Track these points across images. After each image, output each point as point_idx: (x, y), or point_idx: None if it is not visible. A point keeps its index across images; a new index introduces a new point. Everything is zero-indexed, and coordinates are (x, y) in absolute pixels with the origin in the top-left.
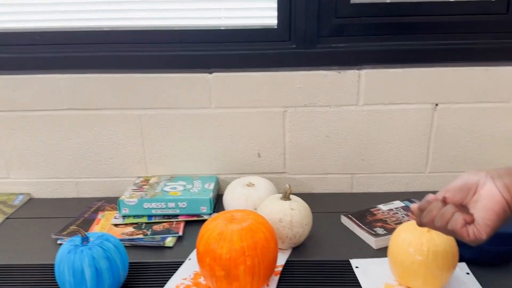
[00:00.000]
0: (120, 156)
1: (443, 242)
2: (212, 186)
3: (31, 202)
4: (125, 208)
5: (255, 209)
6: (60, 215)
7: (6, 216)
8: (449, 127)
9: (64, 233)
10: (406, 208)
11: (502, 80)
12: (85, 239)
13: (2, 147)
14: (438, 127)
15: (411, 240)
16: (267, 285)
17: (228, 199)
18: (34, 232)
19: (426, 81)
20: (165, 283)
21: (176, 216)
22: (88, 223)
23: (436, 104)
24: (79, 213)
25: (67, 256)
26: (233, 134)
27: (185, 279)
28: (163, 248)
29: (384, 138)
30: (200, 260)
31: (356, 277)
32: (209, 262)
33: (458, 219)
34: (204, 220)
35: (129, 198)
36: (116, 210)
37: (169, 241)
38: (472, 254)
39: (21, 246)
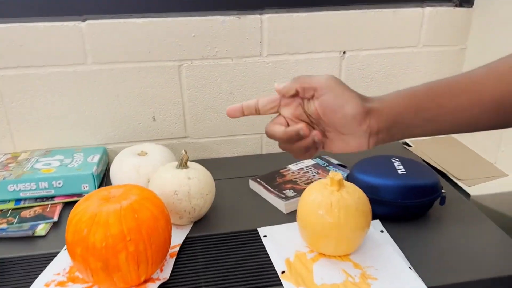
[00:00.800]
0: None
1: (354, 201)
2: (96, 158)
3: None
4: None
5: (148, 182)
6: None
7: None
8: (358, 76)
9: None
10: (317, 166)
11: (410, 23)
12: None
13: None
14: (347, 77)
15: (321, 201)
16: (161, 270)
17: (116, 173)
18: None
19: (333, 26)
20: (34, 281)
21: (51, 198)
22: None
23: (344, 52)
24: None
25: None
26: (120, 95)
27: (58, 274)
28: (34, 238)
29: None
30: (71, 252)
31: (262, 247)
32: (81, 253)
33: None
34: None
35: None
36: None
37: (41, 229)
38: (385, 210)
39: None
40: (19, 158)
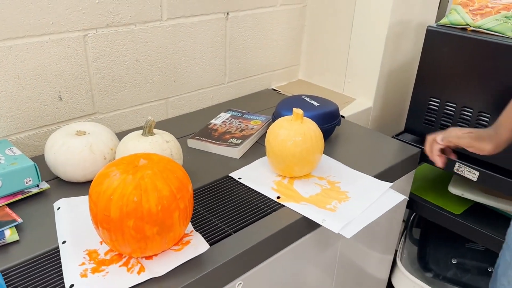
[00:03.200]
0: None
1: (314, 130)
2: (16, 150)
3: None
4: None
5: (105, 158)
6: None
7: None
8: (239, 35)
9: None
10: (234, 116)
11: None
12: None
13: None
14: (231, 37)
15: (288, 134)
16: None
17: (62, 158)
18: None
19: None
20: (59, 284)
21: None
22: None
23: (227, 13)
24: None
25: None
26: (20, 75)
27: (83, 264)
28: (6, 246)
29: (190, 54)
30: (116, 228)
31: (245, 186)
32: (134, 224)
33: None
34: (34, 195)
35: None
36: None
37: (10, 235)
38: None
39: None
40: None
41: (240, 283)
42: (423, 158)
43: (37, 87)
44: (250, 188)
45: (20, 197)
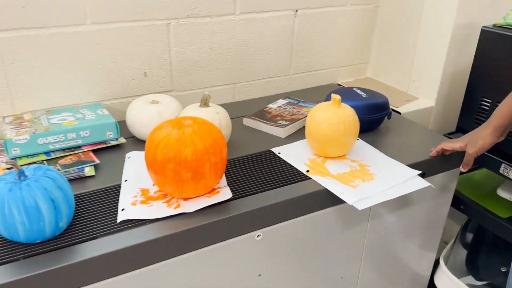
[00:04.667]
0: None
1: (349, 115)
2: (105, 111)
3: None
4: (15, 148)
5: None
6: None
7: None
8: (306, 31)
9: None
10: (291, 103)
11: None
12: (21, 174)
13: None
14: (298, 32)
15: (324, 117)
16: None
17: (137, 119)
18: None
19: None
20: (114, 208)
21: (79, 147)
22: None
23: (296, 10)
24: None
25: (10, 194)
26: (115, 53)
27: (135, 196)
28: (84, 178)
29: (258, 46)
30: (160, 170)
31: (282, 160)
32: (174, 168)
33: None
34: (112, 147)
35: (17, 136)
36: None
37: (89, 170)
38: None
39: None
40: (25, 118)
41: (260, 235)
42: (480, 162)
43: (128, 64)
44: (285, 161)
45: (102, 146)
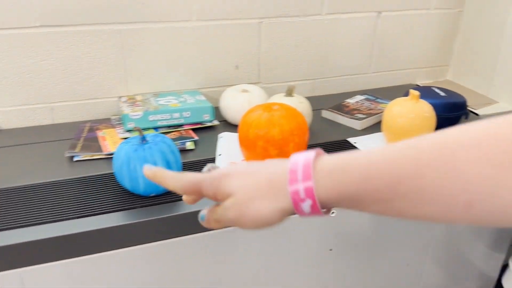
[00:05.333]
0: (100, 75)
1: (426, 111)
2: (202, 97)
3: (3, 133)
4: (131, 122)
5: None
6: (47, 139)
7: None
8: (389, 32)
9: (77, 150)
10: (368, 99)
11: None
12: (144, 139)
13: None
14: (380, 33)
15: (401, 111)
16: None
17: (230, 105)
18: (35, 156)
19: None
20: None
21: (180, 125)
22: (93, 140)
23: (380, 12)
24: (74, 135)
25: (136, 154)
26: (213, 47)
27: None
28: (186, 151)
29: (339, 44)
30: (250, 146)
31: (356, 147)
32: (262, 145)
33: None
34: (208, 127)
35: (132, 112)
36: (112, 128)
37: (190, 144)
38: None
39: (34, 167)
40: (137, 98)
41: (334, 212)
42: None
43: (223, 57)
44: (360, 150)
45: (199, 126)
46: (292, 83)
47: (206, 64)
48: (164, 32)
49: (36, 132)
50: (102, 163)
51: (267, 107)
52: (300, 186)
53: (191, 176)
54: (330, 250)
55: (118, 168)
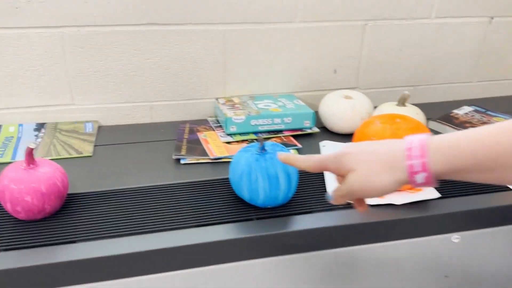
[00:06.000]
0: (201, 76)
1: None
2: (301, 102)
3: (102, 129)
4: (233, 126)
5: (362, 119)
6: (148, 139)
7: (93, 144)
8: (498, 39)
9: (183, 152)
10: (478, 111)
11: None
12: (263, 148)
13: (67, 69)
14: (490, 39)
15: None
16: None
17: (333, 112)
18: (139, 156)
19: None
20: (320, 187)
21: (280, 131)
22: (196, 143)
23: (492, 18)
24: (176, 136)
25: (257, 164)
26: (313, 49)
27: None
28: None
29: (444, 50)
30: None
31: None
32: None
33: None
34: (307, 134)
35: (235, 115)
36: (211, 130)
37: (293, 152)
38: None
39: (141, 168)
40: (235, 101)
41: (458, 238)
42: None
43: (322, 60)
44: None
45: (299, 132)
46: (407, 91)
47: (303, 67)
48: (266, 33)
49: (136, 131)
50: (208, 168)
51: (389, 119)
52: (417, 161)
53: (317, 156)
54: (446, 276)
55: (236, 176)
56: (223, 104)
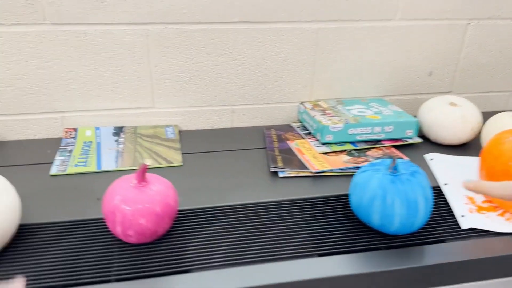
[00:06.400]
0: (287, 78)
1: None
2: (396, 108)
3: (183, 134)
4: (329, 135)
5: (472, 129)
6: (234, 146)
7: (180, 152)
8: None
9: (280, 165)
10: None
11: None
12: (396, 168)
13: (151, 70)
14: None
15: None
16: None
17: (439, 121)
18: (230, 167)
19: None
20: (446, 212)
21: (378, 141)
22: (289, 153)
23: None
24: (264, 143)
25: (394, 187)
26: (410, 50)
27: (467, 204)
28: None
29: None
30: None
31: None
32: None
33: None
34: (407, 144)
35: (332, 123)
36: (300, 138)
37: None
38: None
39: (238, 182)
40: (323, 105)
41: None
42: None
43: (418, 62)
44: None
45: (400, 143)
46: None
47: (395, 68)
48: (361, 31)
49: (218, 137)
50: (308, 182)
51: None
52: None
53: None
54: None
55: (365, 200)
56: (312, 109)
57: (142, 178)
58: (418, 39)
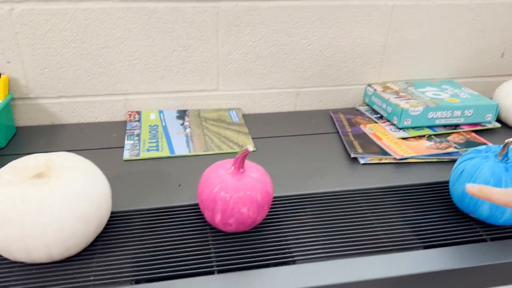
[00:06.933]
0: (356, 59)
1: None
2: (471, 91)
3: (247, 118)
4: (407, 119)
5: None
6: (302, 131)
7: (250, 136)
8: None
9: (360, 150)
10: None
11: None
12: (506, 156)
13: (218, 50)
14: None
15: None
16: None
17: None
18: (305, 153)
19: None
20: None
21: (457, 126)
22: (364, 138)
23: None
24: (335, 128)
25: (508, 175)
26: (485, 30)
27: None
28: None
29: None
30: None
31: None
32: None
33: None
34: (486, 129)
35: (411, 107)
36: (372, 122)
37: None
38: None
39: (318, 169)
40: (393, 88)
41: None
42: None
43: (491, 42)
44: None
45: (479, 127)
46: None
47: (465, 49)
48: (436, 10)
49: (283, 120)
50: (391, 170)
51: None
52: None
53: None
54: None
55: None
56: (383, 91)
57: (241, 165)
58: (492, 19)
